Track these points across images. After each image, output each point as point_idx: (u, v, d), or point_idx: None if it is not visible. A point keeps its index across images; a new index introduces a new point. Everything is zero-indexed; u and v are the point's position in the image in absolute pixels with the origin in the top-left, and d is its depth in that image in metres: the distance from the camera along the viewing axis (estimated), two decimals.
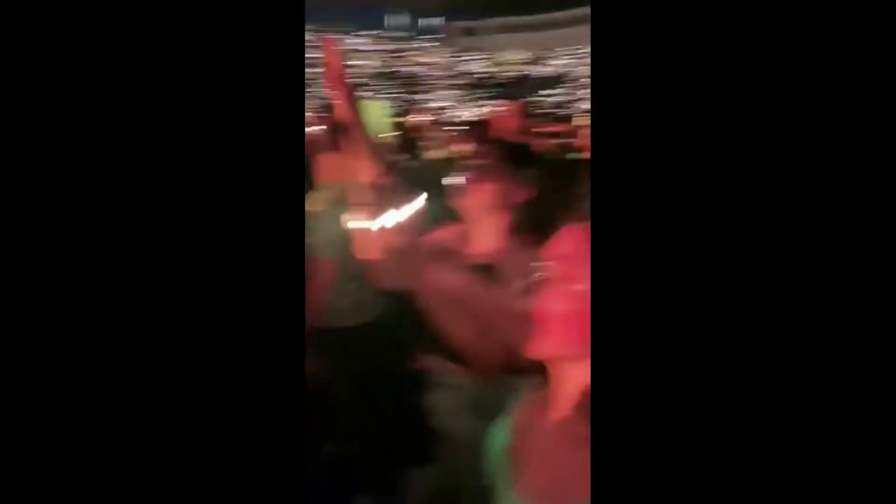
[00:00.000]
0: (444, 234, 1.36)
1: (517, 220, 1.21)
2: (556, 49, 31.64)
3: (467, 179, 1.22)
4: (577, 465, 0.59)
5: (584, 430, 0.59)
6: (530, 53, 32.25)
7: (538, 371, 0.68)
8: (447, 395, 1.24)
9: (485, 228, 1.24)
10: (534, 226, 1.17)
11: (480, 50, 32.96)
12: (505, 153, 1.23)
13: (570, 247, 0.61)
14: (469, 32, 33.53)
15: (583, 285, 0.58)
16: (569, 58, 30.53)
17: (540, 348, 0.62)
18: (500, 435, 0.75)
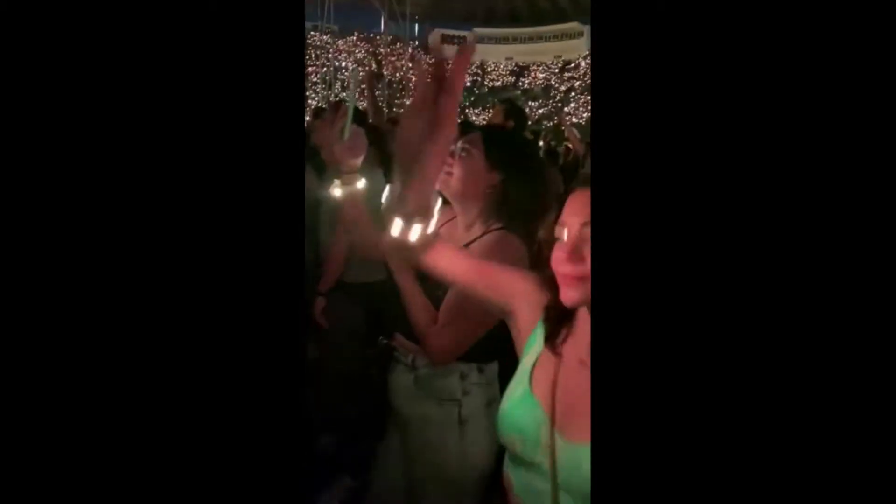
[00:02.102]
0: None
1: (492, 203, 1.23)
2: (540, 62, 32.11)
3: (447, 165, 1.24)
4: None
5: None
6: (514, 64, 32.68)
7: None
8: (405, 375, 1.29)
9: (464, 211, 1.28)
10: (510, 209, 1.21)
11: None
12: (484, 138, 1.26)
13: (580, 211, 0.75)
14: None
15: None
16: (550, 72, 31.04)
17: (567, 298, 0.75)
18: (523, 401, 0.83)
